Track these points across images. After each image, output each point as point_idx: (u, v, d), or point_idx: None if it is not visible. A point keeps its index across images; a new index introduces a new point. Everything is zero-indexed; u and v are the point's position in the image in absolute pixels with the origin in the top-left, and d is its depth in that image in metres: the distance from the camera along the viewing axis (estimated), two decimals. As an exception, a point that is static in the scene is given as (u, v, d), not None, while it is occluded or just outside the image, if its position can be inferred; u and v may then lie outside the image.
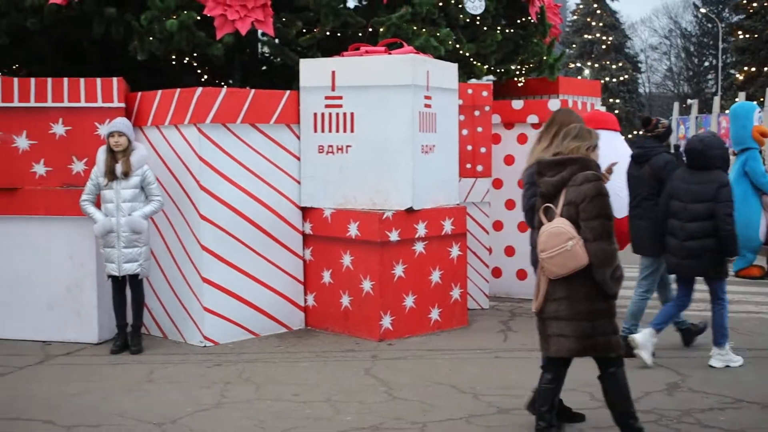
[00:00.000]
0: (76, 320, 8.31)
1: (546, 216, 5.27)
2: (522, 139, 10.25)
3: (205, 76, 10.90)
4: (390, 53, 8.59)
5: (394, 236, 8.22)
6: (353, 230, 8.30)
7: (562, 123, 5.77)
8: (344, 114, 8.47)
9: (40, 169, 8.29)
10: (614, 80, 55.79)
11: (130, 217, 7.69)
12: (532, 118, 10.19)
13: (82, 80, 8.34)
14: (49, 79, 8.38)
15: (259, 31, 10.19)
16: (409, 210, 8.30)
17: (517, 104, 10.39)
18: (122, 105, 8.35)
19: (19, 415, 6.18)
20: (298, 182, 8.70)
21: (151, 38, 9.47)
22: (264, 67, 11.62)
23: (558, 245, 5.07)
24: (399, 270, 8.32)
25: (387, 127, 8.30)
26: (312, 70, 8.63)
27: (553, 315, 5.21)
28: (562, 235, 5.08)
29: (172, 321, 8.42)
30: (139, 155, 7.81)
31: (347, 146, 8.48)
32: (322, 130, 8.57)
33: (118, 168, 7.70)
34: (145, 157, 7.90)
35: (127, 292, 7.97)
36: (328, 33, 10.09)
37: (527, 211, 5.96)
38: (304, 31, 10.14)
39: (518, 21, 11.82)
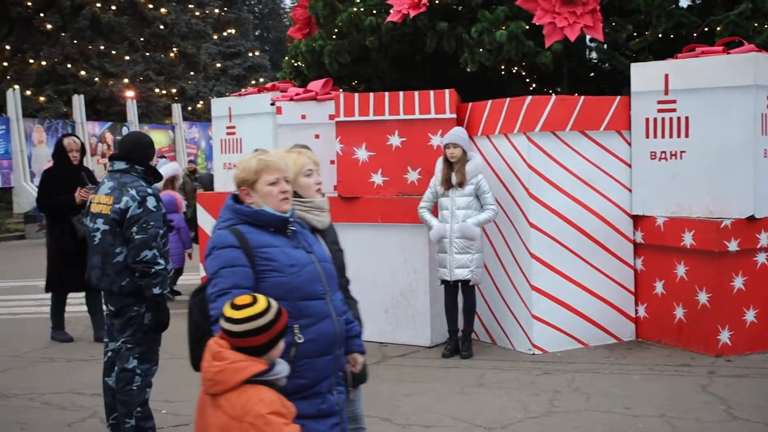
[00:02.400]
0: (410, 323, 8.65)
1: None
2: None
3: (533, 85, 10.95)
4: (728, 53, 8.12)
5: (733, 246, 7.75)
6: (688, 239, 7.93)
7: None
8: (678, 118, 8.12)
9: (377, 178, 8.74)
10: None
11: (463, 223, 7.87)
12: None
13: (416, 93, 8.69)
14: (386, 94, 8.81)
15: (588, 37, 10.07)
16: (751, 218, 7.79)
17: None
18: (453, 116, 8.58)
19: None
20: (629, 190, 8.47)
21: (481, 49, 9.68)
22: (592, 73, 11.46)
23: None
24: (738, 282, 7.83)
25: (725, 131, 7.85)
26: (643, 74, 8.37)
27: None
28: None
29: (501, 328, 8.52)
30: (474, 164, 7.98)
31: (681, 152, 8.12)
32: (655, 136, 8.28)
33: (453, 177, 7.92)
34: (480, 166, 8.06)
35: (459, 298, 8.17)
36: (660, 35, 9.75)
37: None
38: (635, 34, 9.87)
39: None
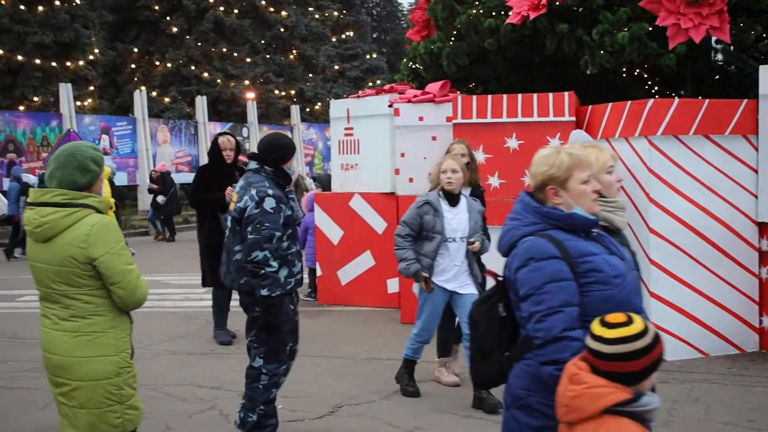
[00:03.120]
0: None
1: None
2: None
3: (655, 87, 10.72)
4: None
5: None
6: (818, 248, 7.63)
7: None
8: (809, 122, 7.82)
9: (494, 181, 8.71)
10: None
11: None
12: None
13: (534, 96, 8.62)
14: (504, 96, 8.77)
15: (713, 38, 9.80)
16: None
17: None
18: (573, 119, 8.48)
19: (471, 413, 6.52)
20: (755, 196, 8.19)
21: (601, 51, 9.54)
22: (717, 76, 11.15)
23: None
24: None
25: None
26: (772, 77, 8.09)
27: None
28: None
29: (618, 334, 8.35)
30: None
31: (812, 157, 7.82)
32: (783, 141, 7.99)
33: None
34: None
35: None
36: (791, 36, 9.43)
37: None
38: (764, 35, 9.56)
39: None
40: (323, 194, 11.74)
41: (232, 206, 5.61)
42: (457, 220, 6.56)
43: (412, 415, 6.45)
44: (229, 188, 8.46)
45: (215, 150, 8.99)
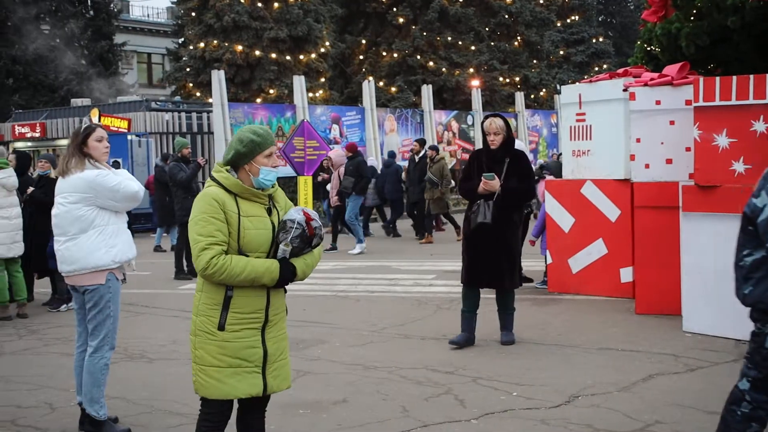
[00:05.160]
0: (772, 322, 8.08)
1: None
2: None
3: None
4: None
5: None
6: None
7: None
8: None
9: (739, 166, 8.26)
10: None
11: None
12: None
13: (784, 76, 8.10)
14: (751, 77, 8.28)
15: None
16: None
17: None
18: (828, 99, 7.90)
19: (715, 409, 6.23)
20: None
21: None
22: None
23: None
24: None
25: None
26: None
27: None
28: None
29: None
30: None
31: None
32: None
33: None
34: None
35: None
36: None
37: None
38: None
39: None
40: (554, 181, 11.58)
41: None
42: None
43: (652, 409, 6.24)
44: (484, 176, 8.01)
45: (484, 135, 8.27)
